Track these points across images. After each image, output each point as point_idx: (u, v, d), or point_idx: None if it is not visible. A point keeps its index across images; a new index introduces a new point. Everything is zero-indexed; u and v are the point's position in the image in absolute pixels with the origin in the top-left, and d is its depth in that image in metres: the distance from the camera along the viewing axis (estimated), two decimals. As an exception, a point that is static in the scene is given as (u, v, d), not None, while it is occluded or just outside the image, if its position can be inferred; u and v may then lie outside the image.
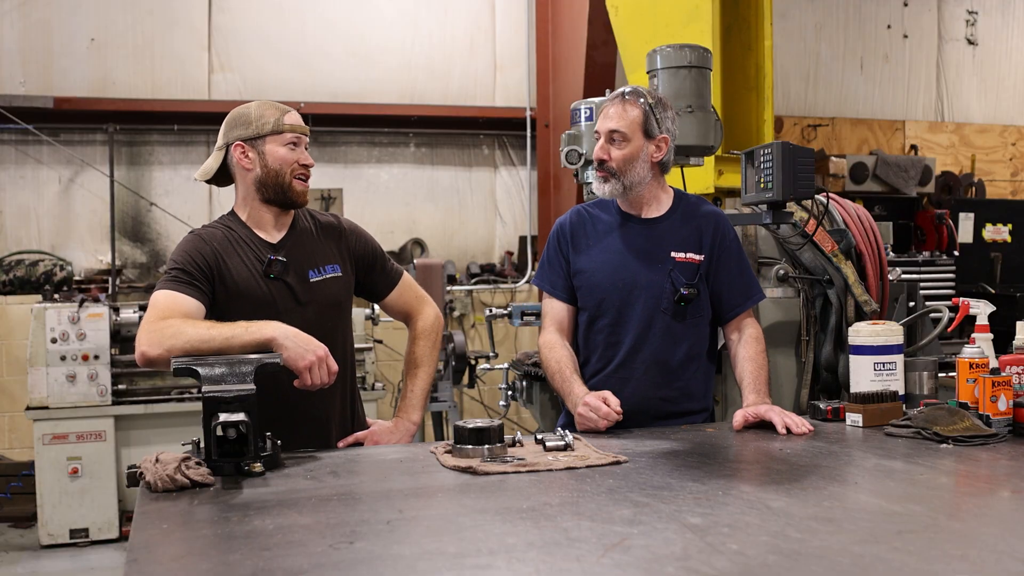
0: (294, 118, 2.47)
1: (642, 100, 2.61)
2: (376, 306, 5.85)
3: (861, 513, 1.69)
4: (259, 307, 2.38)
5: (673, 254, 2.64)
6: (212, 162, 2.49)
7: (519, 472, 2.00)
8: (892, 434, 2.38)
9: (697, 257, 2.66)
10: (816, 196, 3.15)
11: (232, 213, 2.53)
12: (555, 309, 2.75)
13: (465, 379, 5.63)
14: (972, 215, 7.37)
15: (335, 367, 2.25)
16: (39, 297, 5.82)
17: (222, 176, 2.53)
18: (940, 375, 2.90)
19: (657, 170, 2.68)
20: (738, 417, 2.51)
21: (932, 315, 3.31)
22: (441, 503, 1.81)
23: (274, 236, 2.49)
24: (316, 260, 2.50)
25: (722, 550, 1.46)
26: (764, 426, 2.49)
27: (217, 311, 2.38)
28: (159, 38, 6.85)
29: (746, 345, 2.68)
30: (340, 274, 2.53)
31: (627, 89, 2.65)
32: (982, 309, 2.99)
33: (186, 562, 1.48)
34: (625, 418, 2.56)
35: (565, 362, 2.64)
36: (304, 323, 2.31)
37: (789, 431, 2.41)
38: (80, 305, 5.26)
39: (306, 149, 2.49)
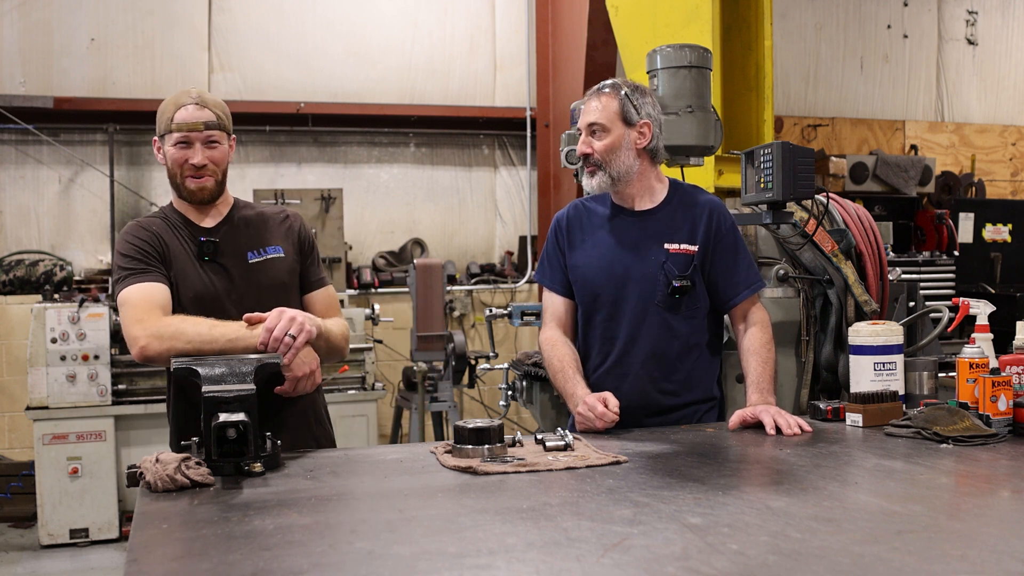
0: (183, 115, 2.39)
1: (619, 90, 2.62)
2: (376, 306, 5.91)
3: (861, 513, 1.69)
4: (197, 290, 2.40)
5: (666, 245, 2.64)
6: None
7: (519, 472, 2.00)
8: (892, 434, 2.38)
9: (691, 248, 2.64)
10: (816, 196, 3.15)
11: (170, 204, 2.56)
12: (555, 304, 2.75)
13: (465, 379, 5.64)
14: (972, 215, 7.37)
15: (320, 379, 2.37)
16: (39, 297, 5.82)
17: None
18: (940, 375, 2.90)
19: (646, 158, 2.67)
20: (734, 418, 2.51)
21: (932, 315, 3.31)
22: (441, 503, 1.81)
23: (209, 223, 2.50)
24: (256, 242, 2.50)
25: (722, 550, 1.46)
26: (761, 428, 2.48)
27: None
28: (159, 38, 6.85)
29: (750, 337, 2.67)
30: (283, 255, 2.52)
31: (605, 83, 2.67)
32: (982, 309, 2.99)
33: (186, 562, 1.48)
34: (627, 412, 2.55)
35: (567, 361, 2.64)
36: (244, 305, 2.32)
37: (780, 432, 2.40)
38: (80, 305, 5.26)
39: (214, 143, 2.41)
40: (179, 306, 2.38)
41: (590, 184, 2.66)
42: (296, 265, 2.56)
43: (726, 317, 2.80)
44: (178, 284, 2.40)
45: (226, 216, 2.52)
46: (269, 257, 2.49)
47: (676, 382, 2.66)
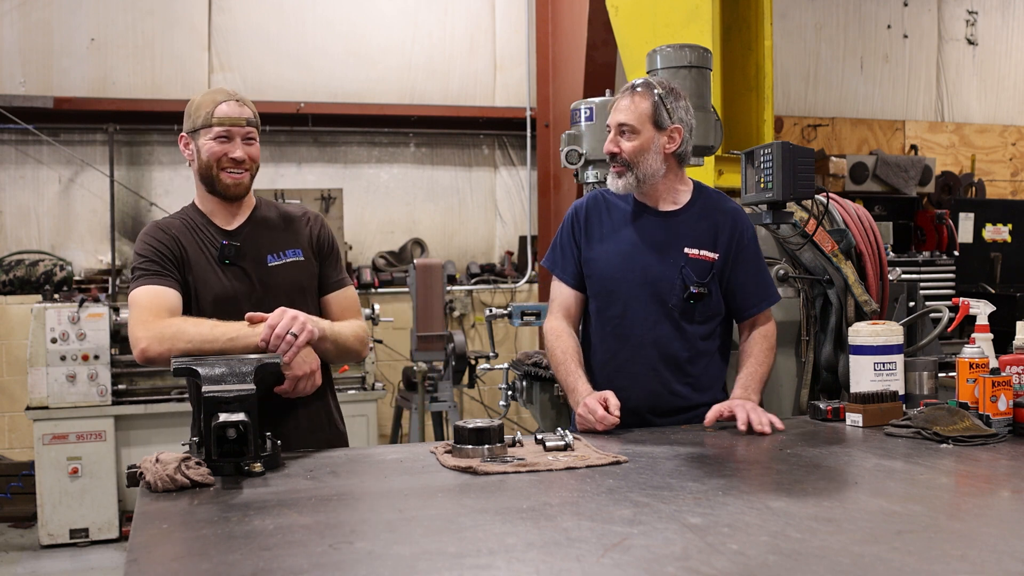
0: (225, 110, 2.42)
1: (653, 91, 2.59)
2: (376, 306, 5.91)
3: (861, 513, 1.69)
4: (217, 293, 2.39)
5: (687, 250, 2.61)
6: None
7: (519, 472, 2.00)
8: (892, 434, 2.38)
9: (711, 255, 2.62)
10: (816, 196, 3.15)
11: (192, 204, 2.54)
12: (563, 295, 2.72)
13: (465, 379, 5.64)
14: (972, 215, 7.37)
15: (319, 381, 2.36)
16: (39, 297, 5.82)
17: None
18: (940, 375, 2.90)
19: (673, 162, 2.64)
20: (711, 413, 2.49)
21: (932, 315, 3.31)
22: (441, 503, 1.81)
23: (231, 224, 2.49)
24: (276, 245, 2.49)
25: (722, 550, 1.46)
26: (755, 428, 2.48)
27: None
28: (159, 38, 6.85)
29: (752, 343, 2.68)
30: (302, 259, 2.51)
31: (638, 81, 2.63)
32: (982, 309, 2.99)
33: (186, 562, 1.48)
34: (636, 412, 2.56)
35: (571, 354, 2.62)
36: (263, 308, 2.31)
37: (751, 429, 2.40)
38: (80, 305, 5.27)
39: (251, 139, 2.44)
40: (199, 309, 2.38)
41: (616, 185, 2.62)
42: (315, 268, 2.54)
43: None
44: (197, 287, 2.39)
45: (248, 216, 2.51)
46: (288, 261, 2.48)
47: (687, 385, 2.64)
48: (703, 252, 2.62)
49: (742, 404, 2.47)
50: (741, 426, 2.41)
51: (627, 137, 2.58)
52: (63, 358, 5.20)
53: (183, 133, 2.47)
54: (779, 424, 2.43)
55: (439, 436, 5.95)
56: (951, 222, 7.15)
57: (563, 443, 2.20)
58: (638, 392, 2.59)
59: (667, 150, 2.60)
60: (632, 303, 2.62)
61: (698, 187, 2.73)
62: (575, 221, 2.72)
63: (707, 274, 2.61)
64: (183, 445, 2.19)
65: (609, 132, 2.63)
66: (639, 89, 2.60)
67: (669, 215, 2.66)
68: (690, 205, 2.68)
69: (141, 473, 1.93)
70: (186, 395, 5.36)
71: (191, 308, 2.37)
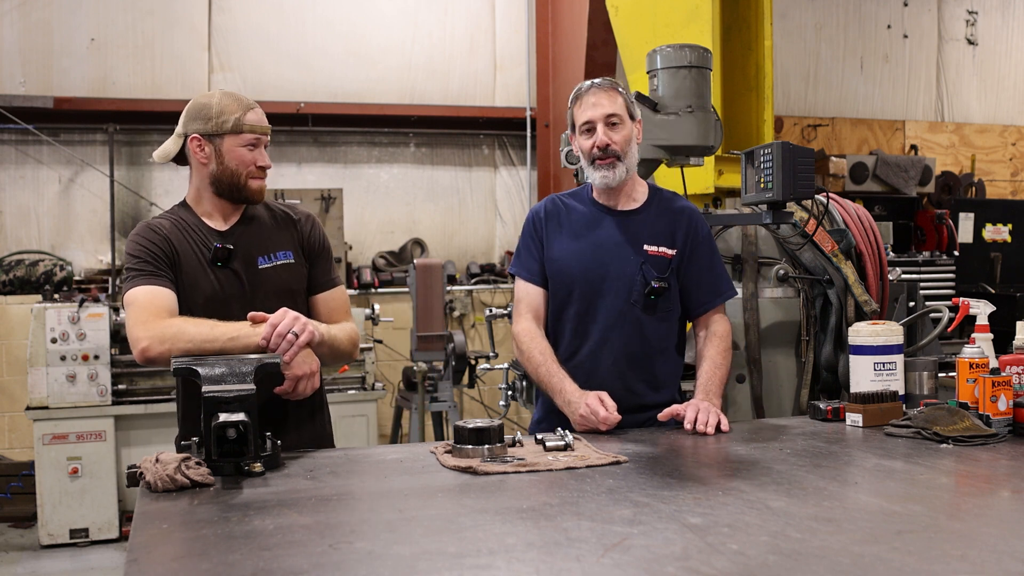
0: (255, 117, 2.43)
1: (618, 86, 2.65)
2: (376, 306, 5.91)
3: (861, 513, 1.69)
4: (208, 295, 2.39)
5: (646, 247, 2.65)
6: (171, 146, 2.48)
7: (519, 472, 2.00)
8: (892, 434, 2.38)
9: (670, 252, 2.66)
10: (816, 196, 3.15)
11: (183, 203, 2.52)
12: (531, 295, 2.72)
13: (465, 379, 5.64)
14: (972, 215, 7.37)
15: (318, 383, 2.37)
16: (39, 297, 5.81)
17: (181, 158, 2.51)
18: (940, 375, 2.90)
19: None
20: (667, 410, 2.51)
21: (932, 315, 3.31)
22: (441, 503, 1.81)
23: (223, 225, 2.48)
24: (267, 247, 2.48)
25: (722, 550, 1.46)
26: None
27: None
28: (159, 38, 6.85)
29: (709, 343, 2.68)
30: (292, 261, 2.50)
31: (601, 79, 2.68)
32: (982, 309, 2.99)
33: (186, 562, 1.48)
34: None
35: (549, 354, 2.63)
36: (253, 309, 2.31)
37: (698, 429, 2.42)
38: (80, 305, 5.26)
39: (266, 148, 2.47)
40: (188, 309, 2.37)
41: (612, 176, 2.61)
42: (305, 269, 2.54)
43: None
44: (188, 288, 2.39)
45: (240, 217, 2.50)
46: (279, 263, 2.48)
47: (643, 382, 2.66)
48: (662, 249, 2.66)
49: (695, 404, 2.50)
50: (687, 425, 2.44)
51: (616, 129, 2.61)
52: (63, 358, 5.20)
53: (196, 135, 2.42)
54: (725, 426, 2.45)
55: (439, 436, 5.95)
56: (951, 222, 7.15)
57: (563, 443, 2.21)
58: (598, 389, 2.56)
59: (637, 141, 2.67)
60: (593, 301, 2.64)
61: (653, 188, 2.79)
62: (536, 222, 2.75)
63: (666, 269, 2.65)
64: (183, 444, 2.19)
65: (590, 128, 2.62)
66: (606, 85, 2.65)
67: (629, 214, 2.70)
68: (647, 204, 2.72)
69: (141, 473, 1.93)
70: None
71: (181, 308, 2.37)
